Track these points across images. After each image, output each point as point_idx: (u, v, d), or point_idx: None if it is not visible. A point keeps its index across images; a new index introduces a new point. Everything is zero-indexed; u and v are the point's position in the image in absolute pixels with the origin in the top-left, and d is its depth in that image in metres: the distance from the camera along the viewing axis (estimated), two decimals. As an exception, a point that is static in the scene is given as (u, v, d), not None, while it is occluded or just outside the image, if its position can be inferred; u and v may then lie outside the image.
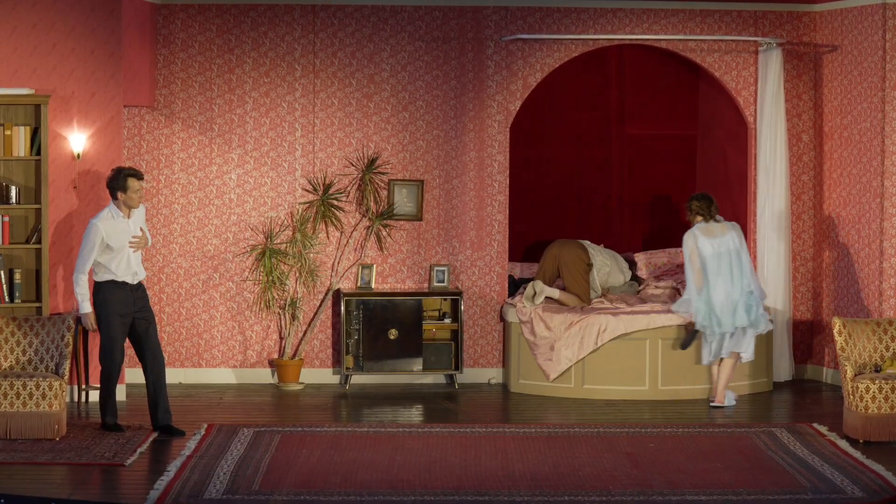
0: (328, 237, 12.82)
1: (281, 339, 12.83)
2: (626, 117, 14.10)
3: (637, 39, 12.93)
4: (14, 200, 11.44)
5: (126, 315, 10.56)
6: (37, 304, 11.44)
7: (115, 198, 10.53)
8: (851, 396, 10.38)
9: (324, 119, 12.79)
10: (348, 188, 12.79)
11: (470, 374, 12.87)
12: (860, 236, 12.50)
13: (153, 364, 10.63)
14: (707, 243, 11.72)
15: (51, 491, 8.81)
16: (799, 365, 13.11)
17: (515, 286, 13.20)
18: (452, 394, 12.45)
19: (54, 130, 11.57)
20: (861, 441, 10.31)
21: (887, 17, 12.16)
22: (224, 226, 12.78)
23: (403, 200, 12.80)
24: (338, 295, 12.78)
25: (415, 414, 11.65)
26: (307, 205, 12.72)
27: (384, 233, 12.76)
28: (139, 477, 9.28)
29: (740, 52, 12.99)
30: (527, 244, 13.93)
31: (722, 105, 13.49)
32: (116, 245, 10.49)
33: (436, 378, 12.83)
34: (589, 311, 12.25)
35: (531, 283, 12.40)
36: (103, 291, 10.54)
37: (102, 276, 10.55)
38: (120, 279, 10.53)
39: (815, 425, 10.85)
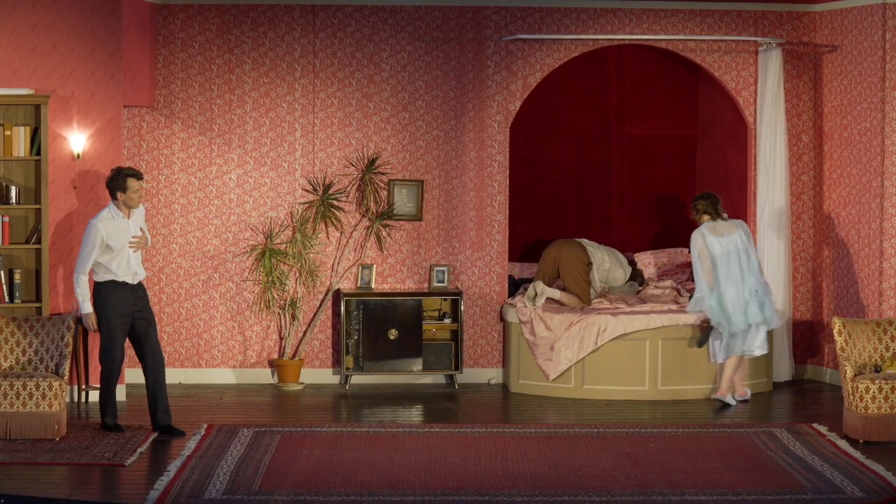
0: (328, 237, 12.82)
1: (281, 339, 12.83)
2: (626, 117, 14.10)
3: (637, 39, 12.93)
4: (14, 200, 11.44)
5: (126, 315, 10.56)
6: (37, 305, 11.44)
7: (114, 198, 10.53)
8: (851, 396, 10.38)
9: (324, 119, 12.79)
10: (348, 188, 12.79)
11: (470, 375, 12.87)
12: (860, 236, 12.50)
13: (153, 364, 10.63)
14: (715, 242, 11.75)
15: (51, 491, 8.81)
16: (799, 365, 13.11)
17: (515, 286, 13.20)
18: (452, 394, 12.45)
19: (54, 130, 11.57)
20: (861, 441, 10.30)
21: (887, 17, 12.16)
22: (224, 226, 12.78)
23: (403, 200, 12.80)
24: (338, 295, 12.78)
25: (415, 414, 11.65)
26: (307, 205, 12.72)
27: (384, 233, 12.76)
28: (139, 477, 9.28)
29: (740, 52, 12.99)
30: (527, 244, 13.93)
31: (722, 105, 13.50)
32: (116, 245, 10.49)
33: (436, 378, 12.83)
34: (589, 312, 12.25)
35: (532, 284, 12.40)
36: (103, 292, 10.54)
37: (102, 277, 10.55)
38: (120, 279, 10.53)
39: (815, 425, 10.85)
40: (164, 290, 12.76)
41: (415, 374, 12.62)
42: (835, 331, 10.67)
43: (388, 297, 12.53)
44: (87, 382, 11.75)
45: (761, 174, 12.80)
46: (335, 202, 12.69)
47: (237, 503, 8.58)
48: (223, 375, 12.83)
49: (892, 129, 12.20)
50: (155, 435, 10.50)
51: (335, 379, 12.85)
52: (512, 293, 13.04)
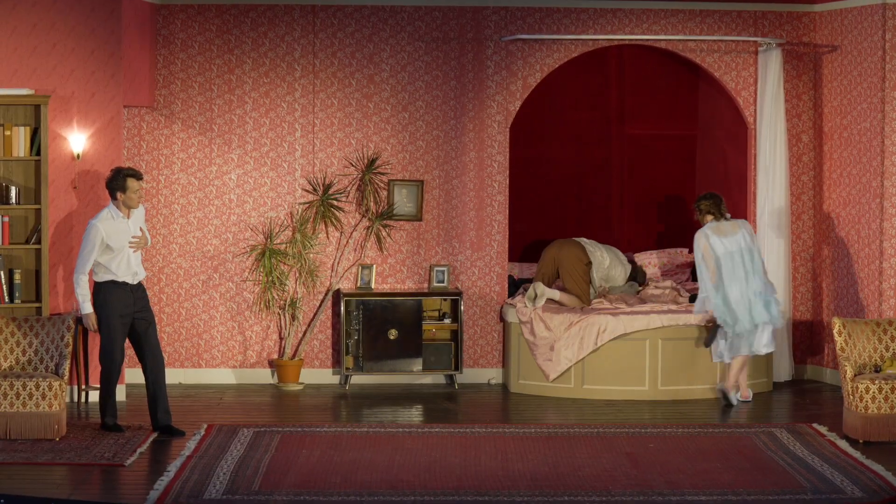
0: (328, 237, 12.82)
1: (281, 339, 12.83)
2: (626, 117, 14.10)
3: (637, 39, 12.93)
4: (14, 201, 11.44)
5: (126, 315, 10.56)
6: (37, 305, 11.44)
7: (114, 198, 10.53)
8: (851, 396, 10.38)
9: (324, 119, 12.79)
10: (348, 188, 12.79)
11: (470, 375, 12.87)
12: (860, 236, 12.50)
13: (153, 364, 10.63)
14: (719, 242, 11.76)
15: (51, 491, 8.81)
16: (799, 365, 13.12)
17: (515, 286, 13.20)
18: (452, 394, 12.44)
19: (54, 130, 11.57)
20: (861, 441, 10.30)
21: (887, 17, 12.16)
22: (224, 226, 12.78)
23: (403, 200, 12.80)
24: (338, 295, 12.78)
25: (415, 414, 11.65)
26: (307, 205, 12.72)
27: (384, 233, 12.76)
28: (139, 477, 9.28)
29: (740, 53, 12.99)
30: (526, 244, 13.93)
31: (722, 105, 13.50)
32: (116, 245, 10.49)
33: (435, 378, 12.83)
34: (589, 312, 12.24)
35: (532, 285, 12.39)
36: (103, 292, 10.54)
37: (102, 277, 10.55)
38: (120, 279, 10.53)
39: (815, 425, 10.85)
40: (164, 290, 12.76)
41: (415, 374, 12.62)
42: (835, 331, 10.67)
43: (388, 297, 12.53)
44: (87, 382, 11.75)
45: (761, 174, 12.80)
46: (335, 202, 12.69)
47: (237, 503, 8.58)
48: (223, 375, 12.83)
49: (892, 129, 12.20)
50: (155, 435, 10.50)
51: (335, 379, 12.85)
52: (512, 293, 13.04)
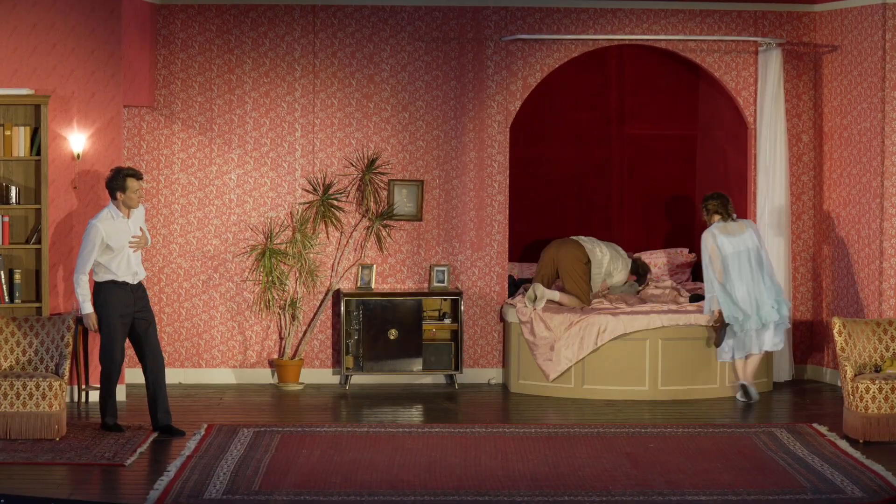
0: (328, 237, 12.82)
1: (281, 339, 12.83)
2: (626, 117, 14.10)
3: (637, 39, 12.93)
4: (14, 200, 11.44)
5: (126, 315, 10.56)
6: (37, 305, 11.44)
7: (114, 198, 10.53)
8: (851, 396, 10.38)
9: (324, 119, 12.79)
10: (348, 188, 12.79)
11: (470, 375, 12.87)
12: (860, 236, 12.50)
13: (153, 364, 10.63)
14: (726, 242, 11.79)
15: (51, 491, 8.81)
16: (799, 365, 13.12)
17: (515, 286, 13.20)
18: (452, 394, 12.44)
19: (54, 130, 11.57)
20: (861, 441, 10.30)
21: (887, 17, 12.16)
22: (224, 226, 12.78)
23: (403, 200, 12.80)
24: (338, 295, 12.78)
25: (415, 414, 11.65)
26: (307, 205, 12.72)
27: (384, 233, 12.76)
28: (139, 477, 9.28)
29: (740, 53, 12.99)
30: (527, 244, 13.93)
31: (722, 105, 13.49)
32: (116, 245, 10.49)
33: (436, 378, 12.83)
34: (589, 312, 12.24)
35: (531, 287, 12.39)
36: (103, 292, 10.54)
37: (103, 277, 10.55)
38: (120, 279, 10.53)
39: (815, 425, 10.85)
40: (164, 290, 12.76)
41: (415, 374, 12.62)
42: (835, 331, 10.67)
43: (388, 297, 12.53)
44: (87, 382, 11.75)
45: (761, 174, 12.80)
46: (335, 202, 12.69)
47: (237, 503, 8.58)
48: (223, 375, 12.83)
49: (892, 129, 12.20)
50: (155, 435, 10.50)
51: (335, 379, 12.85)
52: (512, 293, 13.04)
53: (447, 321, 12.63)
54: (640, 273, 13.12)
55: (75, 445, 10.07)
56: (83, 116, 11.64)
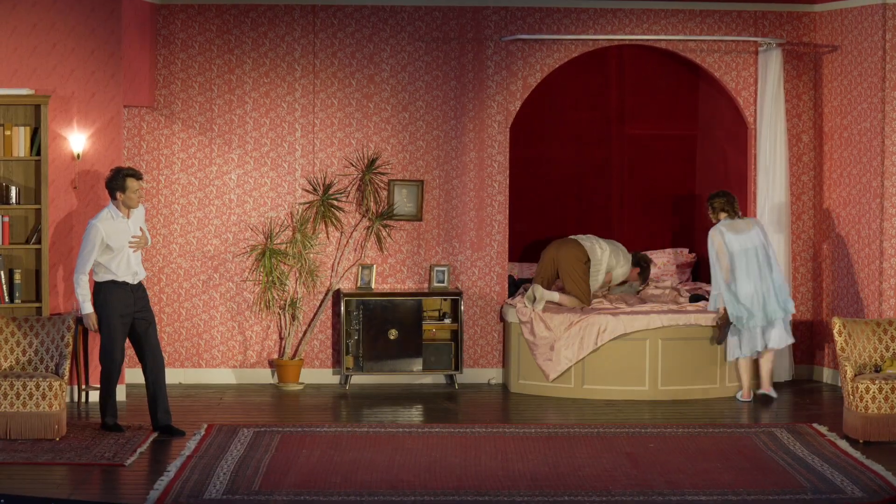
0: (328, 237, 12.82)
1: (281, 339, 12.83)
2: (626, 117, 14.10)
3: (637, 39, 12.93)
4: (14, 200, 11.44)
5: (126, 315, 10.56)
6: (37, 305, 11.44)
7: (114, 198, 10.53)
8: (851, 396, 10.38)
9: (324, 119, 12.79)
10: (348, 188, 12.79)
11: (470, 375, 12.87)
12: (860, 236, 12.50)
13: (153, 364, 10.63)
14: (734, 239, 11.80)
15: (51, 491, 8.81)
16: (799, 365, 13.11)
17: (515, 286, 13.20)
18: (452, 394, 12.44)
19: (54, 130, 11.57)
20: (861, 441, 10.30)
21: (887, 17, 12.16)
22: (224, 226, 12.78)
23: (403, 200, 12.80)
24: (338, 295, 12.78)
25: (415, 414, 11.65)
26: (307, 205, 12.72)
27: (384, 233, 12.76)
28: (139, 477, 9.28)
29: (740, 53, 12.99)
30: (526, 244, 13.93)
31: (722, 105, 13.49)
32: (116, 245, 10.49)
33: (436, 378, 12.83)
34: (589, 312, 12.24)
35: (531, 288, 12.38)
36: (104, 292, 10.54)
37: (103, 277, 10.55)
38: (120, 279, 10.53)
39: (815, 425, 10.85)
40: (164, 290, 12.76)
41: (415, 374, 12.62)
42: (835, 331, 10.67)
43: (388, 297, 12.53)
44: (87, 382, 11.75)
45: (761, 174, 12.80)
46: (335, 202, 12.69)
47: (237, 503, 8.58)
48: (223, 375, 12.83)
49: (892, 129, 12.20)
50: (155, 435, 10.50)
51: (335, 379, 12.85)
52: (512, 293, 13.04)
53: (447, 321, 12.63)
54: (642, 266, 13.10)
55: (75, 445, 10.07)
56: (83, 116, 11.64)
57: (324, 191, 12.67)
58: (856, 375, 10.54)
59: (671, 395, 12.09)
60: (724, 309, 11.90)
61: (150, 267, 12.63)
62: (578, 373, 12.15)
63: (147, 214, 12.18)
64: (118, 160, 11.66)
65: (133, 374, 12.12)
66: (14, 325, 10.74)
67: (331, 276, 12.81)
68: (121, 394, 11.59)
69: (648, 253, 13.74)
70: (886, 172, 12.22)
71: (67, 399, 11.39)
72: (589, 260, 12.59)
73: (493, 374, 12.92)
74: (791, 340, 12.11)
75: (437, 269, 12.79)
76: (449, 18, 12.80)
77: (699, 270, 13.90)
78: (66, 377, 10.40)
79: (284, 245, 12.65)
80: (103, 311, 10.52)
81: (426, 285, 12.85)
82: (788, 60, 12.94)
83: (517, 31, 12.78)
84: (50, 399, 10.24)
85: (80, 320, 11.15)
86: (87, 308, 10.52)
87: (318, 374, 12.86)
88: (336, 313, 12.80)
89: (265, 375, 12.85)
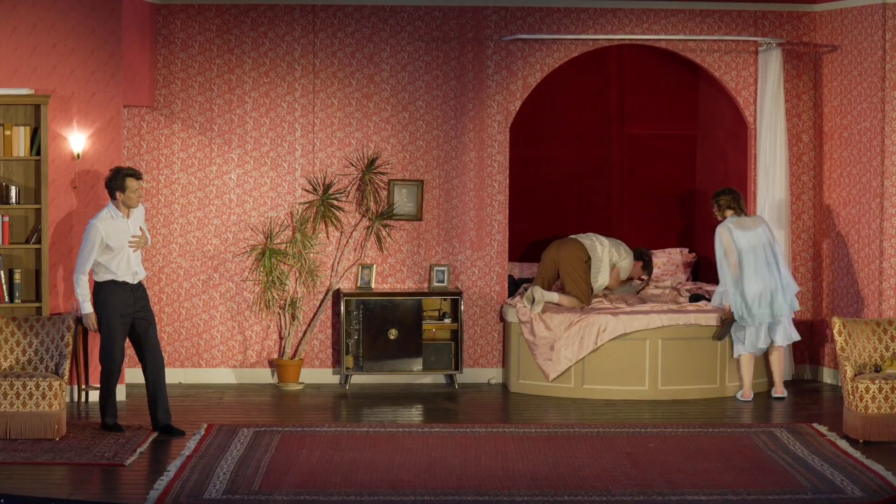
0: (328, 237, 12.82)
1: (281, 339, 12.83)
2: (626, 117, 14.10)
3: (637, 39, 12.93)
4: (14, 200, 11.44)
5: (126, 315, 10.56)
6: (37, 304, 11.44)
7: (113, 198, 10.53)
8: (851, 396, 10.38)
9: (324, 119, 12.79)
10: (348, 188, 12.79)
11: (470, 374, 12.87)
12: (860, 236, 12.50)
13: (153, 364, 10.63)
14: (742, 236, 11.81)
15: (51, 491, 8.81)
16: (799, 365, 13.11)
17: (515, 286, 13.20)
18: (452, 394, 12.44)
19: (54, 130, 11.57)
20: (861, 441, 10.30)
21: (887, 17, 12.16)
22: (224, 226, 12.78)
23: (403, 200, 12.80)
24: (338, 295, 12.78)
25: (415, 414, 11.65)
26: (307, 205, 12.72)
27: (384, 233, 12.76)
28: (139, 477, 9.28)
29: (740, 52, 12.99)
30: (527, 244, 13.93)
31: (722, 105, 13.49)
32: (116, 245, 10.49)
33: (436, 378, 12.83)
34: (589, 311, 12.24)
35: (530, 289, 12.37)
36: (103, 292, 10.54)
37: (102, 277, 10.55)
38: (120, 279, 10.53)
39: (815, 425, 10.85)
40: (164, 290, 12.76)
41: (415, 374, 12.62)
42: (835, 331, 10.67)
43: (388, 297, 12.53)
44: (87, 382, 11.75)
45: (761, 174, 12.80)
46: (335, 202, 12.69)
47: (237, 503, 8.58)
48: (223, 375, 12.83)
49: (892, 129, 12.20)
50: (155, 435, 10.50)
51: (335, 379, 12.85)
52: (512, 293, 13.04)
53: (447, 321, 12.63)
54: (645, 259, 13.09)
55: (75, 445, 10.07)
56: (83, 116, 11.64)
57: (324, 190, 12.67)
58: (856, 375, 10.54)
59: (671, 395, 12.09)
60: (729, 306, 11.91)
61: (150, 267, 12.63)
62: (578, 373, 12.15)
63: (147, 214, 12.18)
64: (118, 160, 11.67)
65: (133, 374, 12.12)
66: (14, 325, 10.74)
67: (331, 276, 12.81)
68: (121, 394, 11.60)
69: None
70: (886, 172, 12.22)
71: (67, 399, 11.39)
72: (589, 258, 12.59)
73: (493, 374, 12.92)
74: (797, 337, 12.12)
75: (437, 268, 12.79)
76: (449, 18, 12.80)
77: (699, 270, 13.90)
78: (66, 377, 10.40)
79: (284, 245, 12.65)
80: (103, 311, 10.52)
81: (426, 285, 12.85)
82: (788, 60, 12.94)
83: (517, 31, 12.78)
84: (50, 399, 10.24)
85: (80, 320, 11.15)
86: (87, 308, 10.52)
87: (318, 374, 12.86)
88: (336, 313, 12.81)
89: (265, 375, 12.85)
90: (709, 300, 12.45)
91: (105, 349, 10.57)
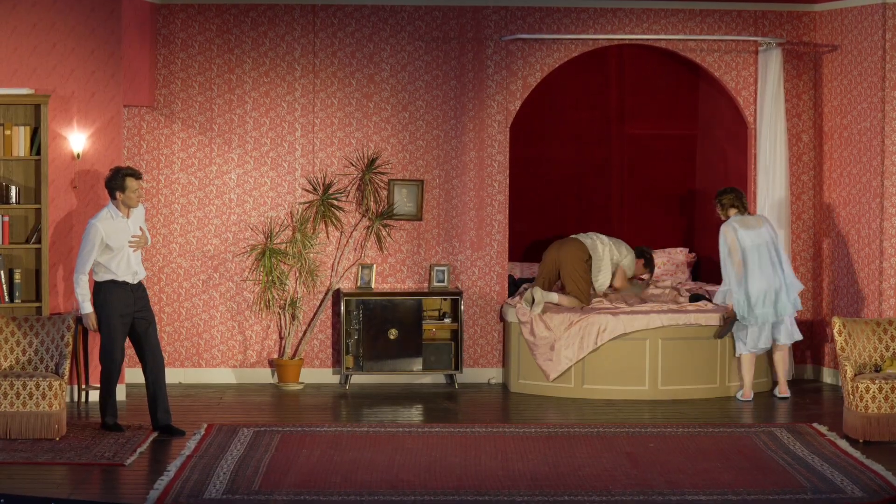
0: (328, 237, 12.82)
1: (281, 339, 12.83)
2: (626, 117, 14.10)
3: (637, 39, 12.93)
4: (14, 200, 11.44)
5: (126, 315, 10.56)
6: (37, 304, 11.44)
7: (113, 198, 10.53)
8: (851, 396, 10.38)
9: (324, 119, 12.79)
10: (348, 188, 12.79)
11: (470, 374, 12.87)
12: (860, 236, 12.50)
13: (153, 364, 10.63)
14: (746, 235, 11.82)
15: (51, 491, 8.81)
16: (799, 365, 13.11)
17: (515, 286, 13.20)
18: (452, 394, 12.44)
19: (54, 130, 11.57)
20: (861, 441, 10.30)
21: (887, 17, 12.16)
22: (224, 226, 12.78)
23: (403, 200, 12.80)
24: (338, 295, 12.78)
25: (415, 414, 11.65)
26: (307, 205, 12.72)
27: (384, 233, 12.76)
28: (139, 477, 9.28)
29: (740, 52, 12.99)
30: (527, 244, 13.93)
31: (722, 105, 13.49)
32: (116, 245, 10.49)
33: (436, 378, 12.83)
34: (589, 311, 12.24)
35: (530, 290, 12.37)
36: (103, 291, 10.54)
37: (102, 276, 10.55)
38: (120, 279, 10.53)
39: (815, 425, 10.85)
40: (164, 289, 12.76)
41: (415, 373, 12.62)
42: (835, 330, 10.67)
43: (388, 297, 12.53)
44: (87, 382, 11.75)
45: (761, 174, 12.80)
46: (335, 202, 12.69)
47: (237, 503, 8.58)
48: (223, 375, 12.83)
49: (892, 129, 12.20)
50: (155, 435, 10.50)
51: (335, 379, 12.85)
52: (512, 293, 13.04)
53: (447, 321, 12.63)
54: (646, 257, 13.09)
55: (75, 445, 10.07)
56: (83, 116, 11.64)
57: (324, 190, 12.67)
58: (856, 375, 10.54)
59: (671, 395, 12.09)
60: (732, 305, 11.92)
61: (150, 267, 12.63)
62: (578, 373, 12.15)
63: (147, 214, 12.18)
64: (118, 160, 11.67)
65: (133, 374, 12.12)
66: (14, 325, 10.74)
67: (331, 276, 12.81)
68: (121, 393, 11.60)
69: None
70: (886, 172, 12.22)
71: (67, 399, 11.39)
72: (590, 258, 12.59)
73: (493, 374, 12.92)
74: (799, 337, 12.13)
75: (437, 268, 12.79)
76: (449, 18, 12.80)
77: (699, 270, 13.90)
78: (66, 377, 10.40)
79: (284, 245, 12.65)
80: (103, 311, 10.52)
81: (426, 285, 12.85)
82: (788, 60, 12.94)
83: (517, 31, 12.78)
84: (50, 399, 10.24)
85: (79, 320, 11.15)
86: (87, 308, 10.52)
87: (318, 374, 12.86)
88: (336, 313, 12.81)
89: (265, 375, 12.85)
90: (709, 300, 12.46)
91: (105, 349, 10.57)
